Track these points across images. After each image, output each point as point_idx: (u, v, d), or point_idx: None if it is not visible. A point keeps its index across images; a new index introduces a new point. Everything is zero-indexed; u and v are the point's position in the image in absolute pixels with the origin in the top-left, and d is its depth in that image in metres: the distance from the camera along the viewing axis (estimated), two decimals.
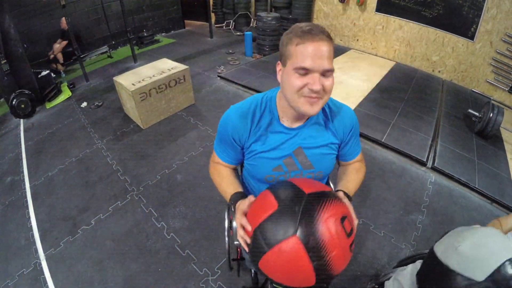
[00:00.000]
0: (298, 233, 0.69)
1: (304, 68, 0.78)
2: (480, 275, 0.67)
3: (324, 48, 0.78)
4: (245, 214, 0.84)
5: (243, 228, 0.81)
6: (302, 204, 0.72)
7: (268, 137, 0.98)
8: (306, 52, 0.78)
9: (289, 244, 0.69)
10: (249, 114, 0.97)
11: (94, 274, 1.91)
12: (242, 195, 0.97)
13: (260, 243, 0.73)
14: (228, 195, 0.99)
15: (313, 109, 0.83)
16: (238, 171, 1.24)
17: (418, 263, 1.13)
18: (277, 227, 0.71)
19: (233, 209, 0.94)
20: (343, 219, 0.74)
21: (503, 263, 0.67)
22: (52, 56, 4.85)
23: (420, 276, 0.86)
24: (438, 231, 2.17)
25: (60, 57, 4.90)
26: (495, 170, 2.79)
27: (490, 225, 1.21)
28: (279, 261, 0.70)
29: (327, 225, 0.70)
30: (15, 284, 1.89)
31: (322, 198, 0.76)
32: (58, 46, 4.86)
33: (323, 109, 1.01)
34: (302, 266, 0.69)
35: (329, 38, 0.81)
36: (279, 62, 0.89)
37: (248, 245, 0.79)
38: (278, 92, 0.98)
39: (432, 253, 0.81)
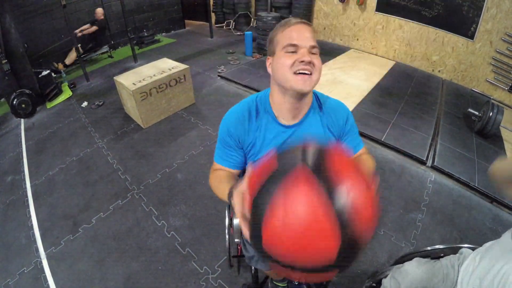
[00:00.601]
0: (307, 162, 0.55)
1: (292, 44, 0.86)
2: None
3: (306, 30, 0.88)
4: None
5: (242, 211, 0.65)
6: (308, 155, 0.57)
7: (266, 137, 0.99)
8: (292, 33, 0.87)
9: (296, 182, 0.52)
10: (245, 115, 1.00)
11: (94, 272, 1.92)
12: None
13: (259, 209, 0.56)
14: (226, 192, 0.88)
15: (306, 85, 0.86)
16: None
17: (415, 261, 1.14)
18: (279, 180, 0.55)
19: (231, 199, 0.79)
20: (357, 164, 0.61)
21: None
22: (79, 34, 4.95)
23: None
24: (438, 230, 2.18)
25: (73, 56, 4.93)
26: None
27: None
28: (286, 218, 0.51)
29: (342, 159, 0.59)
30: (16, 283, 1.89)
31: (330, 149, 0.62)
32: (89, 28, 5.03)
33: (317, 104, 1.03)
34: (318, 214, 0.50)
35: (309, 24, 0.91)
36: (268, 57, 0.96)
37: (249, 223, 0.62)
38: (270, 91, 1.01)
39: None
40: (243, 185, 0.66)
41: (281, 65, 0.88)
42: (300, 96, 0.92)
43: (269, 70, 0.96)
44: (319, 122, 1.01)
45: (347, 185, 0.53)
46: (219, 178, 1.02)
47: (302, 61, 0.84)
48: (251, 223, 0.60)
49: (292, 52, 0.86)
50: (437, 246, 1.25)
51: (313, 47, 0.87)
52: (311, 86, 0.87)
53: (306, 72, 0.85)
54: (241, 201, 0.65)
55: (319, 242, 0.50)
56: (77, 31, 4.95)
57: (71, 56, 4.97)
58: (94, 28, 5.07)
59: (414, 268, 1.10)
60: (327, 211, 0.49)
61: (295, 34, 0.87)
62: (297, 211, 0.51)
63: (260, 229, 0.55)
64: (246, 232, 0.63)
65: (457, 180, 2.63)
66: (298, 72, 0.85)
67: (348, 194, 0.52)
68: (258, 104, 1.01)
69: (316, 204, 0.50)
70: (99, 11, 5.14)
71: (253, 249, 0.62)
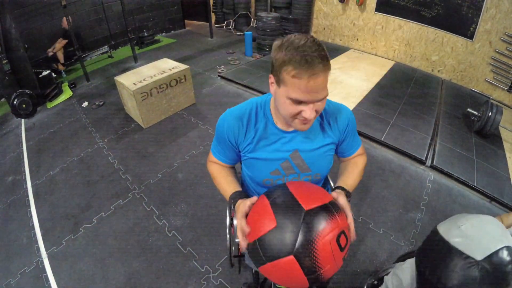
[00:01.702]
0: (295, 253, 0.72)
1: (299, 101, 0.79)
2: (478, 255, 0.70)
3: (320, 80, 0.75)
4: (246, 216, 0.85)
5: (243, 231, 0.82)
6: (301, 223, 0.73)
7: (263, 141, 0.99)
8: (302, 87, 0.75)
9: (286, 262, 0.73)
10: (245, 117, 0.99)
11: (96, 271, 1.93)
12: (241, 194, 0.97)
13: (259, 254, 0.76)
14: (227, 193, 1.01)
15: (306, 127, 0.88)
16: (236, 170, 1.24)
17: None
18: (276, 244, 0.74)
19: (233, 208, 0.95)
20: (339, 235, 0.76)
21: (501, 248, 0.70)
22: (51, 53, 4.83)
23: (420, 253, 0.88)
24: None
25: (61, 56, 4.91)
26: (494, 169, 2.81)
27: None
28: (277, 272, 0.76)
29: (323, 245, 0.73)
30: (17, 282, 1.90)
31: (320, 214, 0.76)
32: (58, 45, 4.86)
33: None
34: (297, 278, 0.74)
35: (326, 63, 0.75)
36: (271, 75, 0.86)
37: (247, 248, 0.81)
38: (272, 99, 0.99)
39: (434, 231, 0.84)
40: (244, 212, 0.86)
41: (283, 109, 0.85)
42: None
43: (271, 91, 0.90)
44: (318, 127, 1.01)
45: (320, 254, 0.73)
46: (220, 174, 1.09)
47: (304, 118, 0.82)
48: (250, 254, 0.81)
49: (298, 103, 0.80)
50: None
51: (323, 98, 0.81)
52: (310, 126, 0.89)
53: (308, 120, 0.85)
54: (241, 229, 0.82)
55: (296, 282, 0.76)
56: (49, 50, 4.83)
57: (59, 56, 4.93)
58: (64, 41, 4.87)
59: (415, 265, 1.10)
60: (304, 278, 0.74)
61: (306, 89, 0.76)
62: (284, 272, 0.75)
63: (257, 262, 0.80)
64: (243, 247, 0.82)
65: (456, 180, 2.64)
66: (300, 119, 0.85)
67: (322, 274, 0.74)
68: (258, 108, 1.01)
69: (296, 275, 0.74)
70: (64, 20, 4.75)
71: (251, 260, 0.88)
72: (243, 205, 0.86)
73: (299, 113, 0.82)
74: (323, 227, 0.74)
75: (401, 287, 1.06)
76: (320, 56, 0.74)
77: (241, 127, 0.99)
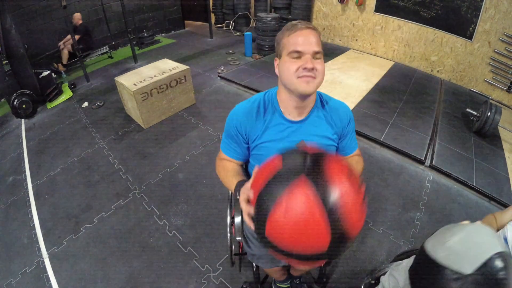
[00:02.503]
0: (306, 171, 0.63)
1: (297, 51, 0.90)
2: (468, 268, 0.68)
3: (311, 35, 0.91)
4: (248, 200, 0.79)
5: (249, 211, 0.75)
6: (308, 160, 0.67)
7: (272, 130, 1.04)
8: (297, 39, 0.91)
9: (297, 186, 0.62)
10: (253, 110, 1.05)
11: (97, 271, 1.94)
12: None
13: (265, 203, 0.66)
14: (233, 185, 1.02)
15: (309, 86, 0.92)
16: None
17: (413, 259, 1.16)
18: (283, 181, 0.65)
19: (237, 196, 0.90)
20: (350, 170, 0.70)
21: (491, 257, 0.68)
22: (62, 46, 4.88)
23: (412, 271, 0.88)
24: (436, 229, 2.18)
25: (65, 56, 4.91)
26: (493, 169, 2.82)
27: (485, 220, 1.23)
28: (287, 214, 0.62)
29: (335, 166, 0.66)
30: (18, 282, 1.91)
31: (326, 154, 0.71)
32: (70, 39, 4.84)
33: (321, 104, 1.08)
34: (313, 212, 0.60)
35: (314, 28, 0.94)
36: (276, 58, 1.01)
37: (252, 218, 0.72)
38: (277, 89, 1.06)
39: (422, 249, 0.83)
40: (249, 183, 0.78)
41: (286, 69, 0.93)
42: (304, 96, 0.97)
43: (277, 71, 1.01)
44: (323, 118, 1.07)
45: (339, 189, 0.63)
46: (227, 169, 1.11)
47: (305, 68, 0.90)
48: (255, 214, 0.70)
49: (297, 57, 0.91)
50: None
51: (317, 52, 0.91)
52: (314, 88, 0.93)
53: (310, 75, 0.91)
54: (247, 197, 0.76)
55: (314, 235, 0.61)
56: (60, 43, 4.90)
57: (64, 55, 4.95)
58: (77, 37, 4.84)
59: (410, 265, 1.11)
60: (321, 210, 0.60)
61: (300, 40, 0.90)
62: (297, 209, 0.61)
63: (264, 221, 0.65)
64: (250, 223, 0.74)
65: (456, 180, 2.66)
66: (302, 76, 0.91)
67: (339, 197, 0.62)
68: (266, 100, 1.07)
69: (312, 205, 0.61)
70: (76, 16, 4.94)
71: (256, 236, 0.73)
72: (246, 183, 0.82)
73: (299, 67, 0.91)
74: (332, 158, 0.69)
75: (397, 287, 1.06)
76: (307, 24, 0.94)
77: (250, 119, 1.05)
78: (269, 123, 1.05)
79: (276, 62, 1.01)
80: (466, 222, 0.87)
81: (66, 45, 4.92)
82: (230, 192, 1.40)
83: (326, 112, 1.08)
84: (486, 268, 0.67)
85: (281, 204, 0.62)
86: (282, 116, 1.04)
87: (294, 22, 0.96)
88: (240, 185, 0.97)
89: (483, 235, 0.75)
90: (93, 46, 5.33)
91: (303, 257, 0.65)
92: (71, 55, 5.01)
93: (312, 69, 0.90)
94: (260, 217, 0.68)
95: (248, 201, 0.75)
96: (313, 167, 0.65)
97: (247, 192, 0.76)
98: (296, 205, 0.61)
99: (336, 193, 0.62)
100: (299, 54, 0.91)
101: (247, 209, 0.74)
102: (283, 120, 1.04)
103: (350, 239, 0.65)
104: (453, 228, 0.80)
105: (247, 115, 1.05)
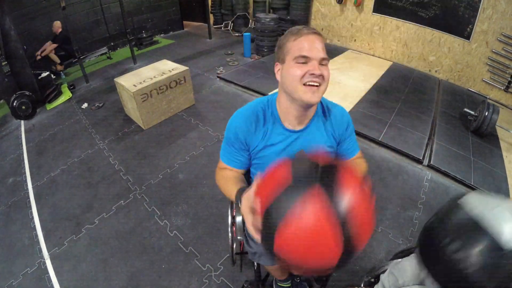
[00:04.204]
0: (319, 184, 0.60)
1: (304, 56, 0.87)
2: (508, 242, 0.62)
3: (318, 41, 0.89)
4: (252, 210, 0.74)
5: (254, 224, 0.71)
6: (319, 172, 0.63)
7: (271, 139, 1.03)
8: (303, 44, 0.88)
9: (310, 198, 0.59)
10: (253, 117, 1.03)
11: (98, 272, 1.95)
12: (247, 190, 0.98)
13: (275, 217, 0.61)
14: (233, 192, 0.97)
15: (314, 97, 0.90)
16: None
17: (412, 256, 1.17)
18: (294, 193, 0.60)
19: (239, 204, 0.85)
20: (363, 181, 0.68)
21: None
22: (39, 57, 4.74)
23: (436, 222, 0.79)
24: None
25: (54, 57, 4.89)
26: (490, 168, 2.84)
27: None
28: (298, 228, 0.58)
29: (348, 178, 0.64)
30: (20, 284, 1.91)
31: (338, 165, 0.68)
32: (49, 48, 4.79)
33: (322, 111, 1.07)
34: (326, 226, 0.57)
35: (320, 34, 0.92)
36: (277, 63, 0.97)
37: (260, 230, 0.68)
38: (277, 97, 1.04)
39: (457, 206, 0.76)
40: (252, 191, 0.72)
41: (291, 75, 0.89)
42: (308, 105, 0.95)
43: (278, 77, 0.97)
44: (323, 128, 1.06)
45: (352, 201, 0.60)
46: (226, 177, 1.06)
47: (312, 74, 0.87)
48: (263, 227, 0.65)
49: (303, 63, 0.88)
50: None
51: (324, 59, 0.89)
52: (319, 98, 0.91)
53: (315, 84, 0.88)
54: (250, 208, 0.71)
55: (325, 251, 0.58)
56: (38, 53, 4.74)
57: (53, 58, 4.90)
58: (53, 46, 4.81)
59: (411, 263, 1.13)
60: (333, 226, 0.57)
61: (307, 45, 0.87)
62: (309, 224, 0.58)
63: (273, 236, 0.61)
64: (255, 234, 0.70)
65: (453, 179, 2.67)
66: (307, 83, 0.88)
67: (352, 210, 0.59)
68: (265, 108, 1.04)
69: (325, 219, 0.57)
70: (56, 24, 4.78)
71: (264, 250, 0.68)
72: (247, 195, 0.75)
73: (306, 73, 0.87)
74: (345, 171, 0.66)
75: (397, 284, 1.08)
76: (313, 30, 0.91)
77: (250, 127, 1.02)
78: (268, 132, 1.03)
79: (277, 67, 0.97)
80: None
81: (42, 55, 4.76)
82: None
83: (326, 121, 1.06)
84: None
85: (293, 217, 0.59)
86: (281, 125, 1.03)
87: (298, 26, 0.93)
88: (241, 192, 0.90)
89: None
90: (74, 54, 4.91)
91: (312, 270, 0.64)
92: (60, 58, 4.97)
93: (320, 75, 0.87)
94: (269, 231, 0.63)
95: (253, 210, 0.69)
96: (326, 177, 0.61)
97: (250, 200, 0.71)
98: (309, 219, 0.58)
99: (349, 206, 0.59)
100: (305, 60, 0.87)
101: (252, 220, 0.70)
102: (283, 129, 1.03)
103: (359, 251, 0.63)
104: (497, 199, 0.73)
105: (246, 123, 1.02)
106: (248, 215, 0.72)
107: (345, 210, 0.58)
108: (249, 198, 0.72)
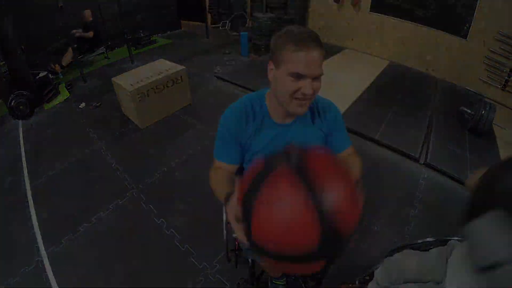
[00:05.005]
0: (287, 165, 0.59)
1: (299, 74, 0.85)
2: None
3: (316, 56, 0.85)
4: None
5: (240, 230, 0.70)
6: (292, 156, 0.62)
7: (261, 134, 1.06)
8: (301, 60, 0.84)
9: (275, 176, 0.58)
10: (244, 112, 1.05)
11: (96, 270, 1.96)
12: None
13: (247, 205, 0.61)
14: (223, 195, 0.89)
15: (302, 109, 0.93)
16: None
17: (406, 253, 1.19)
18: (262, 178, 0.60)
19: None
20: (335, 161, 0.67)
21: None
22: (78, 34, 4.89)
23: (501, 167, 0.77)
24: (430, 225, 2.23)
25: (67, 58, 4.90)
26: (487, 166, 2.85)
27: None
28: (269, 208, 0.57)
29: (319, 160, 0.63)
30: (18, 282, 1.92)
31: (309, 148, 0.67)
32: (81, 33, 4.92)
33: (310, 106, 1.07)
34: (296, 200, 0.55)
35: (321, 46, 0.87)
36: (270, 61, 0.94)
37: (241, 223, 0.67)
38: (267, 92, 1.07)
39: None
40: (235, 198, 0.72)
41: (283, 87, 0.90)
42: (294, 114, 0.98)
43: (270, 77, 0.96)
44: (310, 121, 1.08)
45: (326, 181, 0.58)
46: (218, 179, 1.06)
47: (304, 93, 0.88)
48: (242, 221, 0.64)
49: (297, 77, 0.86)
50: (427, 239, 1.29)
51: (319, 75, 0.88)
52: (306, 109, 0.94)
53: (305, 99, 0.91)
54: (235, 216, 0.69)
55: (300, 232, 0.55)
56: (74, 31, 4.90)
57: (67, 57, 4.94)
58: (91, 33, 4.98)
59: (405, 260, 1.14)
60: (306, 204, 0.54)
61: (304, 62, 0.84)
62: (279, 204, 0.56)
63: (249, 224, 0.61)
64: (240, 234, 0.68)
65: (450, 177, 2.69)
66: (298, 98, 0.90)
67: (327, 189, 0.57)
68: (253, 104, 1.07)
69: (296, 198, 0.55)
70: (87, 13, 4.95)
71: (248, 245, 0.65)
72: (231, 204, 0.74)
73: (298, 90, 0.87)
74: (318, 150, 0.67)
75: (390, 279, 1.09)
76: (315, 39, 0.86)
77: (241, 121, 1.05)
78: (258, 127, 1.05)
79: (270, 67, 0.95)
80: None
81: (81, 35, 4.94)
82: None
83: (312, 113, 1.09)
84: None
85: (262, 202, 0.58)
86: (270, 119, 1.06)
87: (300, 33, 0.86)
88: (228, 198, 0.84)
89: None
90: (98, 44, 5.33)
91: (295, 258, 0.59)
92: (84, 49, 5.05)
93: (312, 94, 0.89)
94: (245, 223, 0.63)
95: (237, 218, 0.67)
96: (296, 161, 0.60)
97: (234, 208, 0.70)
98: (278, 200, 0.57)
99: (323, 186, 0.56)
100: (300, 76, 0.86)
101: (238, 228, 0.69)
102: (271, 123, 1.06)
103: (345, 236, 0.58)
104: None
105: (238, 118, 1.05)
106: (234, 223, 0.70)
107: (319, 191, 0.55)
108: (232, 207, 0.72)
